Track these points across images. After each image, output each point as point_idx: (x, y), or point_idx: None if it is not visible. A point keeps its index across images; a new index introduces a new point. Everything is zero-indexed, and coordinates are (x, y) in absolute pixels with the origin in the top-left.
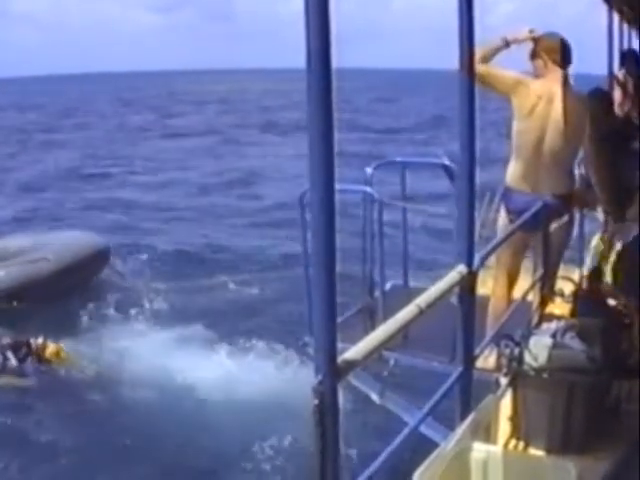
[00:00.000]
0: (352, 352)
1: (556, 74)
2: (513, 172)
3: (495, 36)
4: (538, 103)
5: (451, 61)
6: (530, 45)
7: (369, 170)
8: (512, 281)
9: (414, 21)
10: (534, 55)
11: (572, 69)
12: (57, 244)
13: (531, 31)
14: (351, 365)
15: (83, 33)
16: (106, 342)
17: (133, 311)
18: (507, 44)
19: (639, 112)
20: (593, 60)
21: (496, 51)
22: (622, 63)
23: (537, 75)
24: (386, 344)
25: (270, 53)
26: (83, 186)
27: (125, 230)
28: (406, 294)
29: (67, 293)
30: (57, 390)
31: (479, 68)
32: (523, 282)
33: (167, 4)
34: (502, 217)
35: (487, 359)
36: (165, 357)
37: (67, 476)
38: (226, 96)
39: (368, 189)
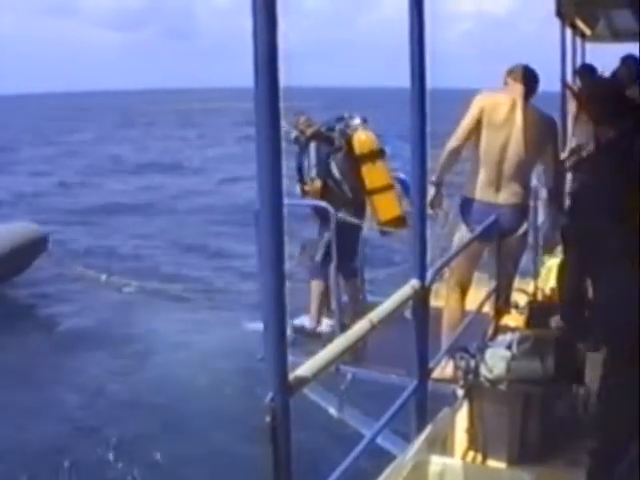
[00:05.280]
0: (303, 369)
1: (516, 88)
2: (475, 182)
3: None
4: (504, 112)
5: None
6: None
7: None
8: (464, 292)
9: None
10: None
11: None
12: None
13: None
14: (303, 381)
15: (45, 51)
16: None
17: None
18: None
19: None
20: (549, 76)
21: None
22: (580, 76)
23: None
24: (338, 359)
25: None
26: None
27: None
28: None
29: (8, 277)
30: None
31: (452, 145)
32: (478, 293)
33: (128, 23)
34: (461, 229)
35: (444, 370)
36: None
37: None
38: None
39: (321, 203)
